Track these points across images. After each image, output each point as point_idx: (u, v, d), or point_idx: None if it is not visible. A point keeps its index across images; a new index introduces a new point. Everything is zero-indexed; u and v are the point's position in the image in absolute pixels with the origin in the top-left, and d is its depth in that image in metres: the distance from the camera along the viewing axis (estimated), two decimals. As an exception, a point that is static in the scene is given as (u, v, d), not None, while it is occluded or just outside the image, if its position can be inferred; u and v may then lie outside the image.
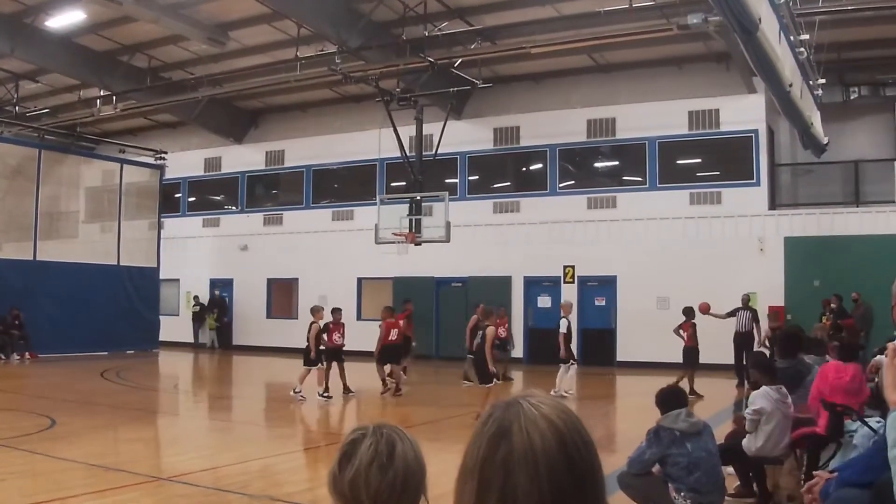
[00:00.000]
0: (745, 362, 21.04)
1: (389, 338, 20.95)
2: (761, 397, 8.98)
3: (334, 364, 20.29)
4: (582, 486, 1.71)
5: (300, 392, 19.30)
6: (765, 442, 8.85)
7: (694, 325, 20.82)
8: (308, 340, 19.60)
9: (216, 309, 36.86)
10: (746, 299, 23.85)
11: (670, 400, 8.07)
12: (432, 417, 17.66)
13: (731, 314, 23.27)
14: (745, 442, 8.99)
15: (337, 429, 16.79)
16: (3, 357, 28.05)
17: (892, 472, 2.99)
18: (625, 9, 22.03)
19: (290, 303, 35.86)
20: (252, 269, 36.47)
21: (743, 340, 22.80)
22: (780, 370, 10.03)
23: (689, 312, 21.07)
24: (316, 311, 19.91)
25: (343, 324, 21.32)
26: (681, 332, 20.92)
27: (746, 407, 9.24)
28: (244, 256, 36.93)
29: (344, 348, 20.84)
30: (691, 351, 20.61)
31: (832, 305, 23.57)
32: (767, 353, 19.17)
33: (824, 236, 26.29)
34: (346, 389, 20.22)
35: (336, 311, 21.30)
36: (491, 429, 1.76)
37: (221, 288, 37.34)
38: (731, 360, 23.07)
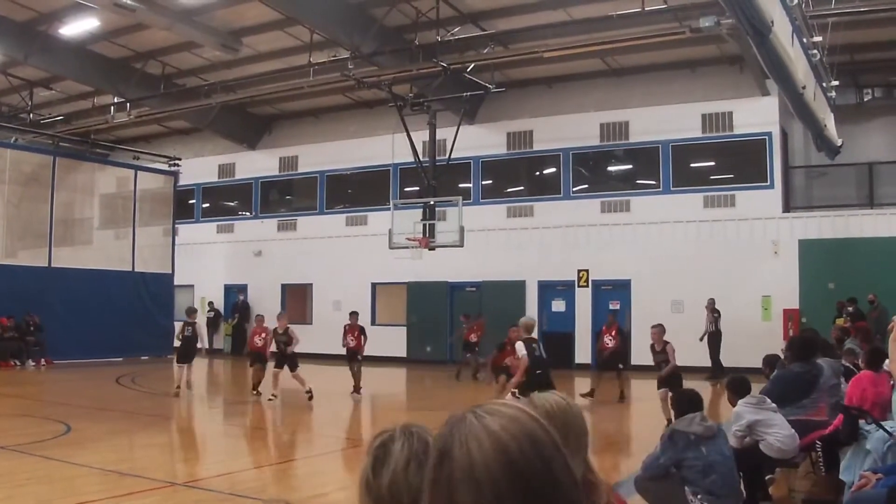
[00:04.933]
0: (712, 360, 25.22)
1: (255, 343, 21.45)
2: (743, 412, 8.98)
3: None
4: (531, 497, 1.55)
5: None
6: (779, 443, 8.81)
7: (619, 329, 22.06)
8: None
9: (237, 314, 36.99)
10: (712, 302, 25.92)
11: (685, 404, 8.06)
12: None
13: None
14: (762, 445, 8.94)
15: (353, 433, 16.80)
16: (18, 363, 28.17)
17: None
18: (637, 12, 21.98)
19: (304, 308, 35.89)
20: (266, 274, 36.53)
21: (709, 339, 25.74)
22: (796, 374, 10.01)
23: (613, 316, 23.33)
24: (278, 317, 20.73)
25: (359, 326, 21.83)
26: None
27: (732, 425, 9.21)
28: (258, 262, 37.01)
29: (359, 350, 21.37)
30: (614, 354, 21.48)
31: (849, 308, 23.46)
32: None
33: (839, 239, 26.19)
34: (356, 389, 20.76)
35: (352, 315, 22.13)
36: (436, 447, 1.65)
37: (236, 293, 37.46)
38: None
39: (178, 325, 34.13)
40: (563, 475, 1.60)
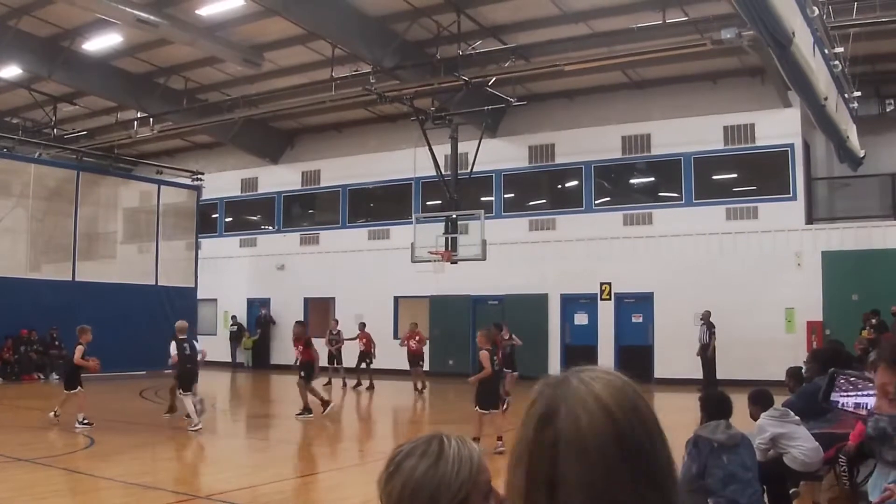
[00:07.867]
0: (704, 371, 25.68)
1: None
2: (766, 425, 8.90)
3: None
4: (637, 469, 1.55)
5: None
6: (803, 456, 8.75)
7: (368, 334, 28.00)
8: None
9: (259, 330, 37.09)
10: (707, 314, 26.08)
11: (711, 408, 7.86)
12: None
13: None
14: (786, 458, 8.88)
15: (375, 447, 16.80)
16: (42, 377, 28.32)
17: None
18: (658, 25, 21.99)
19: (326, 322, 35.92)
20: (289, 288, 36.61)
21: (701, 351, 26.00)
22: (820, 388, 9.91)
23: (362, 326, 28.50)
24: (83, 331, 18.75)
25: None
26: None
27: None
28: (281, 276, 37.10)
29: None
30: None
31: (872, 321, 23.33)
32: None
33: (862, 250, 26.02)
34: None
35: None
36: (538, 410, 1.63)
37: (258, 307, 37.56)
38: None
39: (200, 339, 34.42)
40: (662, 451, 1.61)
